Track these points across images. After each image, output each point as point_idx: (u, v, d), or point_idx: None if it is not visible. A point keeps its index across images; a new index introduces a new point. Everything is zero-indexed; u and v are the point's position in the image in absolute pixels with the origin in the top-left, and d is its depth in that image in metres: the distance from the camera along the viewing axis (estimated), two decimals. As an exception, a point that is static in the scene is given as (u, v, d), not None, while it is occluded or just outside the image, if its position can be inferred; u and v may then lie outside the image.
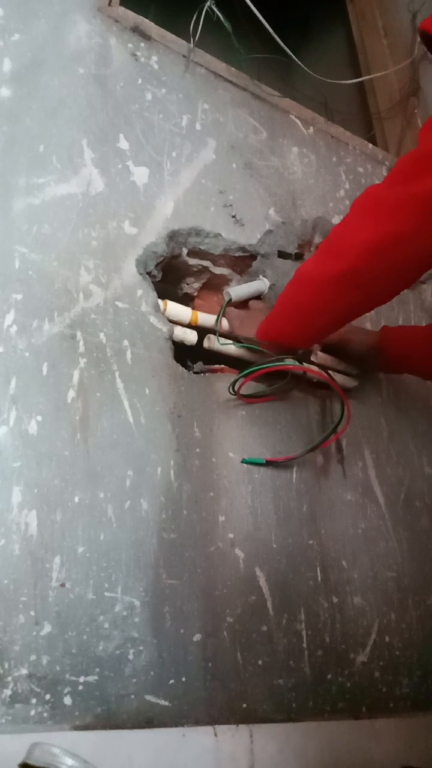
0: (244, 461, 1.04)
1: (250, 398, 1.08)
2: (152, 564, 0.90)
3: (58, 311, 0.95)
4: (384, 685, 1.05)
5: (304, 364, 1.11)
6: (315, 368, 1.12)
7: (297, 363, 1.09)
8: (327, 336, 1.04)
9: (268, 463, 1.06)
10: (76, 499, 0.87)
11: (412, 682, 1.08)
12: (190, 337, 1.05)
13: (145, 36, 1.23)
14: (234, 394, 1.05)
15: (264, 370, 1.05)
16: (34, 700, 0.77)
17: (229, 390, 1.05)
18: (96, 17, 1.17)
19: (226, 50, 1.36)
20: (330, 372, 1.12)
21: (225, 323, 1.11)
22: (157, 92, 1.20)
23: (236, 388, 1.04)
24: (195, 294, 1.24)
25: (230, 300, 1.12)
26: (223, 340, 1.09)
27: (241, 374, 1.04)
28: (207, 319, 1.10)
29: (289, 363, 1.08)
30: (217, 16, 1.29)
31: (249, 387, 1.08)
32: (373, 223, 0.77)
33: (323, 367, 1.13)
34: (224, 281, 1.23)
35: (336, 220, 1.37)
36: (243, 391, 1.05)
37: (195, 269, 1.19)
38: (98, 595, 0.84)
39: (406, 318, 1.42)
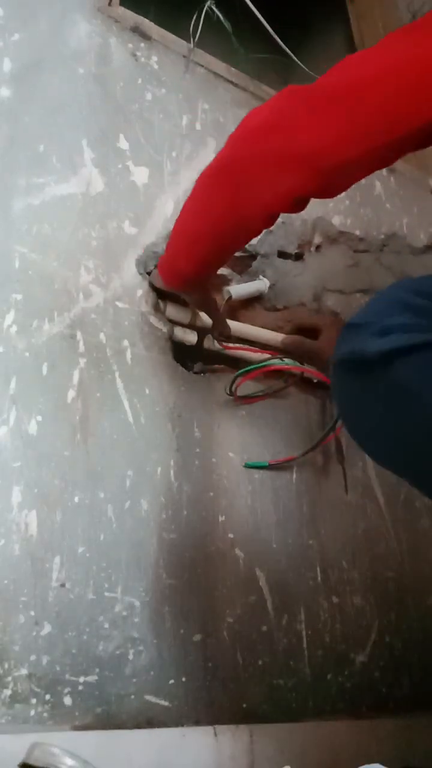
0: (246, 465, 1.04)
1: (246, 398, 1.08)
2: (152, 564, 0.90)
3: (58, 311, 0.95)
4: (384, 685, 1.05)
5: (305, 364, 1.12)
6: (313, 368, 1.12)
7: (296, 363, 1.09)
8: (206, 257, 0.90)
9: (270, 466, 1.06)
10: (76, 499, 0.87)
11: (412, 682, 1.08)
12: (190, 337, 1.05)
13: (145, 36, 1.22)
14: (230, 395, 1.05)
15: (260, 369, 1.05)
16: (34, 700, 0.77)
17: (225, 390, 1.05)
18: (96, 17, 1.17)
19: (226, 50, 1.36)
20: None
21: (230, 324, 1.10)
22: (157, 92, 1.20)
23: (233, 389, 1.04)
24: (195, 294, 1.24)
25: (230, 297, 1.12)
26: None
27: (237, 374, 1.04)
28: (208, 319, 1.10)
29: (289, 363, 1.08)
30: (217, 16, 1.29)
31: (249, 387, 1.08)
32: (254, 113, 0.76)
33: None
34: (224, 281, 1.23)
35: (336, 219, 1.37)
36: (240, 391, 1.05)
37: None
38: (98, 595, 0.84)
39: (406, 318, 1.42)
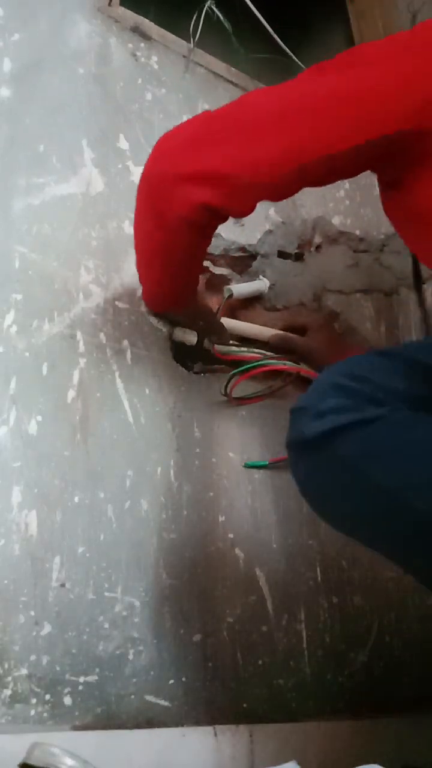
0: (246, 465, 1.04)
1: (241, 400, 1.08)
2: (152, 564, 0.90)
3: (58, 311, 0.95)
4: (384, 685, 1.05)
5: (302, 364, 1.11)
6: (309, 368, 1.12)
7: (293, 363, 1.09)
8: (165, 276, 0.93)
9: (269, 464, 1.06)
10: (76, 499, 0.87)
11: (412, 682, 1.08)
12: (190, 337, 1.05)
13: (145, 36, 1.22)
14: (225, 396, 1.05)
15: (256, 370, 1.05)
16: (34, 700, 0.77)
17: (220, 391, 1.05)
18: (96, 17, 1.17)
19: (226, 50, 1.36)
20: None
21: (227, 322, 1.10)
22: (157, 92, 1.20)
23: (228, 390, 1.03)
24: (195, 294, 1.24)
25: (230, 296, 1.12)
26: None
27: (232, 374, 1.03)
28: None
29: (288, 363, 1.08)
30: (217, 16, 1.29)
31: (246, 388, 1.08)
32: (167, 136, 0.83)
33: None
34: (224, 281, 1.23)
35: (336, 219, 1.37)
36: (236, 392, 1.05)
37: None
38: (98, 595, 0.84)
39: (406, 318, 1.42)
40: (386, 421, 0.69)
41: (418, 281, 0.95)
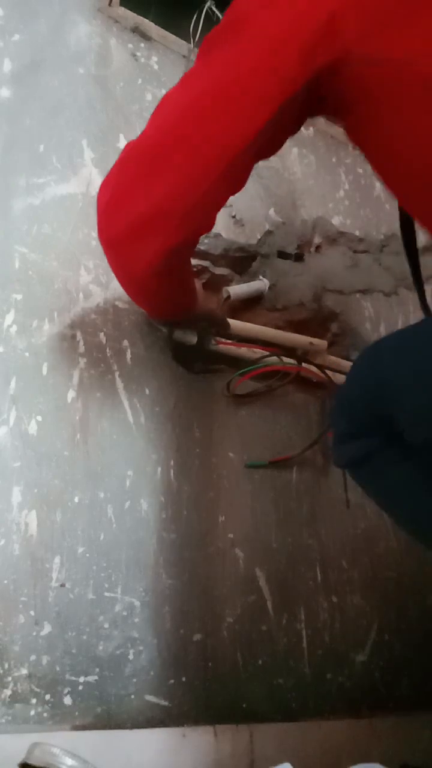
0: (247, 465, 1.04)
1: (243, 397, 1.08)
2: (152, 564, 0.90)
3: (58, 311, 0.95)
4: (384, 685, 1.05)
5: (303, 364, 1.12)
6: (312, 368, 1.12)
7: (294, 363, 1.09)
8: (149, 307, 0.95)
9: (269, 464, 1.06)
10: (76, 499, 0.87)
11: (411, 682, 1.08)
12: (190, 337, 1.05)
13: (145, 36, 1.22)
14: (228, 395, 1.05)
15: (259, 370, 1.06)
16: (34, 700, 0.77)
17: (223, 391, 1.05)
18: (96, 17, 1.17)
19: (226, 50, 1.35)
20: (327, 372, 1.12)
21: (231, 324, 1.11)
22: (157, 92, 1.20)
23: (230, 388, 1.04)
24: (195, 294, 1.24)
25: (228, 297, 1.12)
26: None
27: (235, 374, 1.04)
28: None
29: (288, 363, 1.08)
30: (217, 16, 1.29)
31: (247, 386, 1.08)
32: (101, 191, 0.77)
33: (321, 367, 1.13)
34: (224, 281, 1.23)
35: (336, 220, 1.37)
36: (239, 391, 1.05)
37: (195, 269, 1.19)
38: (98, 595, 0.84)
39: (406, 318, 1.42)
40: (381, 457, 0.76)
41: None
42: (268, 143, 0.73)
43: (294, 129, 0.76)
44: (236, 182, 0.76)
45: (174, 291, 0.89)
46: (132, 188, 0.72)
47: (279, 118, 0.68)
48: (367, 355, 0.76)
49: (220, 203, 0.77)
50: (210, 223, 0.78)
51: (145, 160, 0.71)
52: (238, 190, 0.77)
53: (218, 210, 0.77)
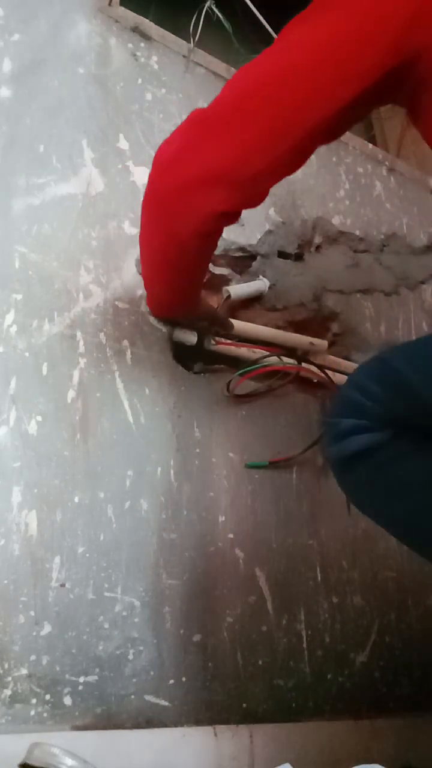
0: (247, 466, 1.04)
1: (243, 397, 1.08)
2: (152, 564, 0.90)
3: (58, 311, 0.95)
4: (384, 685, 1.05)
5: (303, 364, 1.12)
6: (313, 368, 1.12)
7: (294, 363, 1.09)
8: (171, 285, 0.94)
9: (271, 465, 1.06)
10: (76, 499, 0.87)
11: (412, 682, 1.08)
12: (190, 337, 1.05)
13: (145, 36, 1.22)
14: (228, 395, 1.05)
15: (259, 370, 1.06)
16: (34, 700, 0.77)
17: (223, 391, 1.05)
18: (96, 17, 1.17)
19: (226, 50, 1.36)
20: (328, 372, 1.12)
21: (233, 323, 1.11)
22: (157, 92, 1.20)
23: (230, 388, 1.04)
24: (195, 294, 1.24)
25: (228, 297, 1.12)
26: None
27: (235, 374, 1.04)
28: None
29: (288, 363, 1.08)
30: (217, 16, 1.29)
31: (248, 386, 1.08)
32: (164, 146, 0.77)
33: (321, 367, 1.13)
34: (224, 281, 1.23)
35: (336, 219, 1.37)
36: (239, 392, 1.05)
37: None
38: (98, 595, 0.84)
39: (406, 318, 1.42)
40: (388, 451, 0.76)
41: None
42: (340, 124, 0.73)
43: (364, 115, 0.77)
44: (299, 159, 0.76)
45: (193, 271, 0.89)
46: (201, 145, 0.72)
47: (359, 100, 0.68)
48: (379, 360, 0.78)
49: (279, 177, 0.77)
50: (263, 196, 0.78)
51: (221, 119, 0.72)
52: (295, 170, 0.77)
53: (274, 184, 0.78)
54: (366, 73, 0.67)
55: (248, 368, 1.06)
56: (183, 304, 0.98)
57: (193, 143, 0.73)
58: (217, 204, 0.74)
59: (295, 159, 0.75)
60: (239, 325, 1.11)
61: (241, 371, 1.04)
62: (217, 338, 1.07)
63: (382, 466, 0.77)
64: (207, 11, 1.28)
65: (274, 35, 1.39)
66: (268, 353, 1.10)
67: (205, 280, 1.21)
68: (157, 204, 0.79)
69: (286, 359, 1.12)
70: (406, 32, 0.64)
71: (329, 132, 0.73)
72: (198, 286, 0.95)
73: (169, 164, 0.75)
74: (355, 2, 0.66)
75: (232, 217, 0.80)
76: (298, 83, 0.68)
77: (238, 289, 1.16)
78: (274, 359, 1.10)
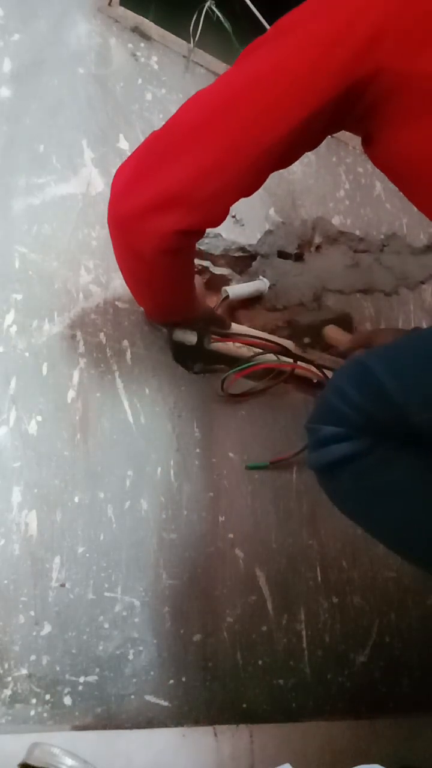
0: (248, 467, 1.04)
1: (237, 396, 1.08)
2: (152, 564, 0.90)
3: (58, 311, 0.95)
4: (384, 685, 1.05)
5: (299, 362, 1.11)
6: (308, 366, 1.11)
7: (290, 360, 1.09)
8: (153, 301, 0.95)
9: (271, 465, 1.06)
10: (76, 499, 0.87)
11: (412, 682, 1.08)
12: (190, 337, 1.05)
13: (145, 36, 1.22)
14: (222, 394, 1.05)
15: (252, 367, 1.05)
16: (34, 700, 0.77)
17: (217, 391, 1.05)
18: (96, 17, 1.17)
19: (226, 50, 1.36)
20: (326, 371, 1.12)
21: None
22: (157, 92, 1.20)
23: (223, 387, 1.04)
24: (195, 294, 1.24)
25: (227, 297, 1.12)
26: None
27: (227, 373, 1.04)
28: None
29: (284, 360, 1.08)
30: (217, 16, 1.29)
31: (243, 387, 1.08)
32: (120, 170, 0.78)
33: (320, 366, 1.13)
34: (224, 281, 1.23)
35: (336, 220, 1.37)
36: (233, 391, 1.05)
37: (195, 269, 1.19)
38: (98, 595, 0.84)
39: (406, 318, 1.42)
40: (368, 459, 0.76)
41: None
42: (293, 147, 0.75)
43: (315, 143, 0.79)
44: (253, 182, 0.78)
45: (177, 280, 0.89)
46: (156, 168, 0.73)
47: (310, 123, 0.70)
48: (358, 364, 0.78)
49: (236, 197, 0.78)
50: (222, 216, 0.79)
51: (174, 140, 0.73)
52: (251, 193, 0.79)
53: (231, 205, 0.79)
54: (320, 93, 0.68)
55: (241, 366, 1.05)
56: (171, 315, 0.99)
57: (148, 167, 0.74)
58: (174, 224, 0.75)
59: (251, 179, 0.76)
60: (235, 327, 1.11)
61: (231, 371, 1.04)
62: (213, 336, 1.06)
63: (362, 474, 0.77)
64: (207, 11, 1.28)
65: (274, 35, 1.39)
66: (263, 351, 1.09)
67: (205, 281, 1.22)
68: (118, 227, 0.79)
69: (283, 357, 1.12)
70: (363, 53, 0.66)
71: (284, 153, 0.74)
72: (183, 297, 0.94)
73: (125, 190, 0.76)
74: (311, 27, 0.68)
75: (193, 235, 0.80)
76: (254, 102, 0.70)
77: (237, 289, 1.16)
78: (269, 356, 1.09)
